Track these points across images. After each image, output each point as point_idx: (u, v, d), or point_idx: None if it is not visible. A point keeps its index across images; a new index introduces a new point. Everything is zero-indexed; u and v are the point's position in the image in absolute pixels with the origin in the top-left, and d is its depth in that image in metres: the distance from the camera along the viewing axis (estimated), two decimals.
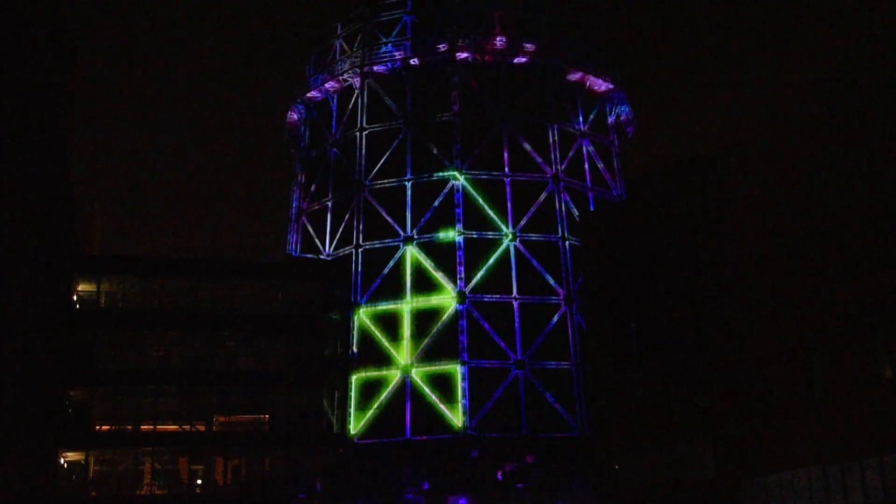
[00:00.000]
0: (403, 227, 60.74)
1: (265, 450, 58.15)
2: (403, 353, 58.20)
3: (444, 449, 55.38)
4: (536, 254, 60.54)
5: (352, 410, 57.90)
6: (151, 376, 57.49)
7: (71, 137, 62.03)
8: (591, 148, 65.98)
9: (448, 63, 63.21)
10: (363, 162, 63.08)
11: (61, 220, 56.62)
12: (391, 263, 60.28)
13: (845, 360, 29.48)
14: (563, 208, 61.89)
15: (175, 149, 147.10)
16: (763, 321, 34.45)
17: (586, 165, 65.24)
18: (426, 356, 57.99)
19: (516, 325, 58.68)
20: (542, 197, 61.76)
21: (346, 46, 67.53)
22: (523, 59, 63.98)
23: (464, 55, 63.29)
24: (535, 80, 64.29)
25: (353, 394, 58.25)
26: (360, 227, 61.62)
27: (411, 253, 60.13)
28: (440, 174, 61.47)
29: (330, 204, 64.62)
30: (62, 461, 56.11)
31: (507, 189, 61.48)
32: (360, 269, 60.67)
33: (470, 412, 56.25)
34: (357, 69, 64.79)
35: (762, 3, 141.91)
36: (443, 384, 57.32)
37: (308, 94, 68.05)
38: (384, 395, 57.78)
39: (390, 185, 62.16)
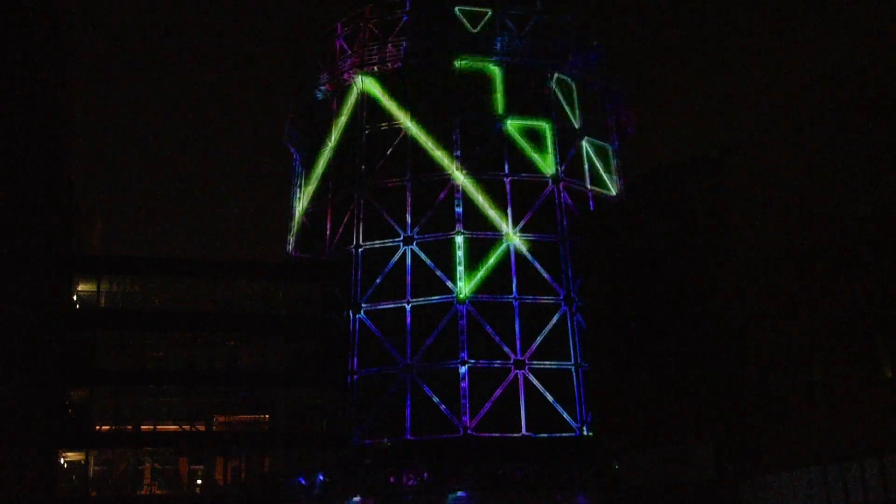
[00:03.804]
0: (403, 227, 60.76)
1: (265, 450, 58.15)
2: (403, 354, 58.21)
3: (445, 449, 55.45)
4: (536, 254, 60.54)
5: (351, 410, 57.88)
6: (151, 376, 57.48)
7: (71, 137, 62.05)
8: (591, 148, 65.97)
9: (448, 63, 63.22)
10: (363, 162, 63.10)
11: (61, 220, 56.62)
12: (391, 263, 60.30)
13: (845, 360, 29.47)
14: (563, 208, 61.90)
15: (175, 149, 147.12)
16: (763, 321, 34.44)
17: (586, 165, 65.23)
18: (426, 356, 58.01)
19: (516, 325, 58.68)
20: (543, 197, 61.78)
21: (346, 46, 67.52)
22: (523, 59, 63.98)
23: (464, 55, 63.26)
24: (534, 79, 64.27)
25: (353, 394, 58.26)
26: (360, 227, 61.64)
27: (411, 253, 60.16)
28: (440, 174, 61.49)
29: (330, 204, 64.62)
30: (62, 461, 56.11)
31: (507, 189, 61.50)
32: (360, 269, 60.69)
33: (470, 412, 56.26)
34: (357, 69, 64.80)
35: (763, 3, 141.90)
36: (443, 384, 57.32)
37: (308, 94, 68.04)
38: (384, 395, 57.78)
39: (390, 185, 62.18)
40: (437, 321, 58.39)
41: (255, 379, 58.40)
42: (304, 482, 52.36)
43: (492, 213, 60.78)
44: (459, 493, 50.31)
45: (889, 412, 27.38)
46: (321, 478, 52.03)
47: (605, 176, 66.40)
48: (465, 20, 64.94)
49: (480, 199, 60.98)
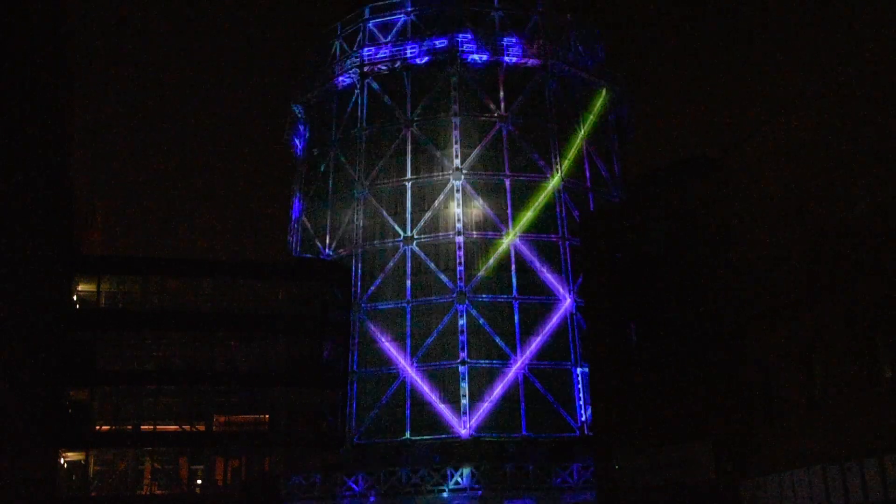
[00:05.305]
0: (403, 227, 60.76)
1: (265, 450, 58.18)
2: (403, 353, 58.20)
3: (445, 449, 55.48)
4: (536, 254, 60.53)
5: (351, 411, 57.90)
6: (151, 376, 57.53)
7: (71, 137, 62.03)
8: (591, 148, 65.95)
9: (448, 63, 63.22)
10: (363, 162, 63.09)
11: (61, 220, 56.61)
12: (391, 263, 60.31)
13: (845, 360, 29.44)
14: (564, 208, 61.89)
15: (175, 149, 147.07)
16: (763, 321, 34.41)
17: (586, 166, 65.22)
18: (426, 356, 58.00)
19: (516, 325, 58.67)
20: (542, 197, 61.78)
21: (345, 47, 67.52)
22: (523, 59, 64.01)
23: (464, 55, 63.29)
24: (535, 80, 64.26)
25: (352, 394, 58.27)
26: (360, 227, 61.64)
27: (411, 253, 60.15)
28: (440, 174, 61.47)
29: (330, 204, 64.61)
30: (62, 461, 56.12)
31: (507, 189, 61.50)
32: (360, 269, 60.69)
33: (470, 412, 56.24)
34: (357, 69, 64.79)
35: (764, 3, 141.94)
36: (443, 384, 57.31)
37: (308, 95, 68.05)
38: (384, 395, 57.78)
39: (390, 185, 62.17)
40: (437, 321, 58.38)
41: (255, 379, 58.44)
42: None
43: (492, 213, 60.76)
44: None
45: (889, 412, 27.36)
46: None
47: (605, 176, 66.38)
48: (466, 20, 64.91)
49: (480, 199, 60.98)
